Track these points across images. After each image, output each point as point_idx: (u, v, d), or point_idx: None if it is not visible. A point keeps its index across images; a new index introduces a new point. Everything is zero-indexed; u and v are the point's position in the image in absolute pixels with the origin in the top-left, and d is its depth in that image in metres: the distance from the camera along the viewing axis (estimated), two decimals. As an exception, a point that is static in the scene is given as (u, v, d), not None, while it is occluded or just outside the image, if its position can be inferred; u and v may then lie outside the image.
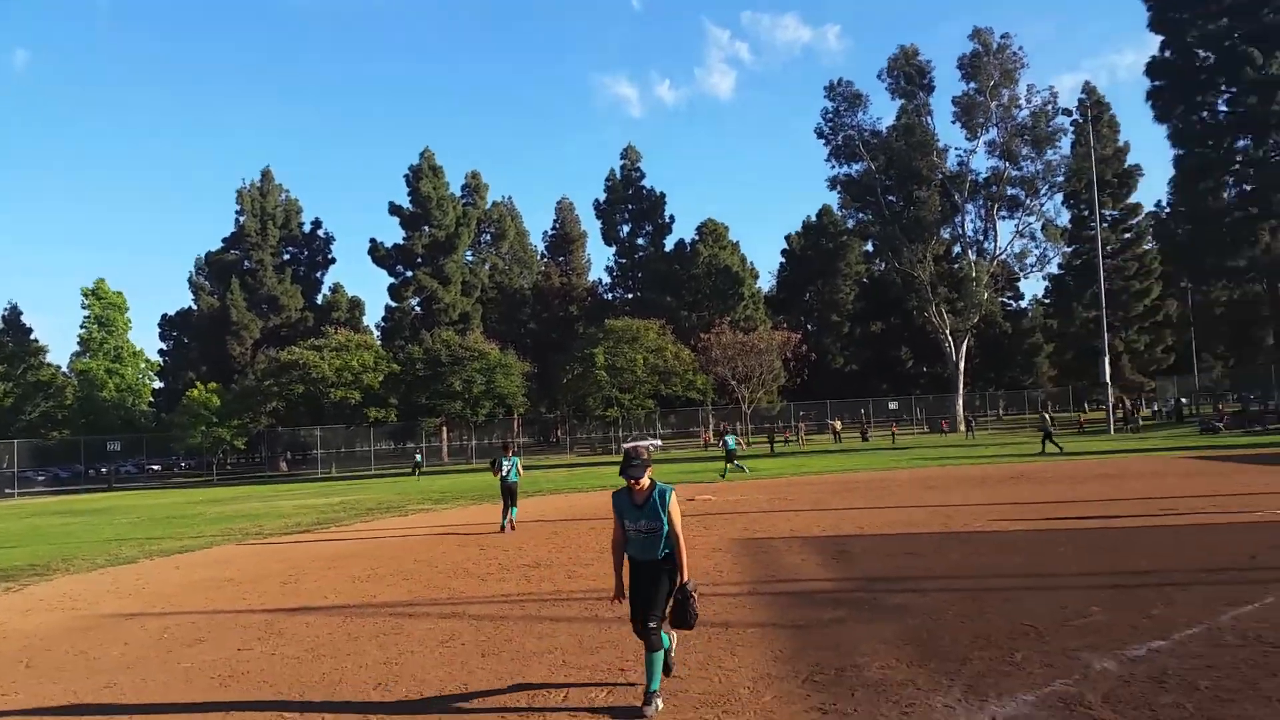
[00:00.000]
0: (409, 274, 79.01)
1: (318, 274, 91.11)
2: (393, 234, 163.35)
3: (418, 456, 50.68)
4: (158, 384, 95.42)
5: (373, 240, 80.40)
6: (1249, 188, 45.21)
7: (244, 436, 65.67)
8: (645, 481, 5.44)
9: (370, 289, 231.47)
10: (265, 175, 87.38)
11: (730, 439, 28.81)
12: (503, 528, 15.87)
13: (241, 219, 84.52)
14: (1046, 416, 33.80)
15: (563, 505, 20.92)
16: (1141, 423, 50.45)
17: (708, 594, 8.62)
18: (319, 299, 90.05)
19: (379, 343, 74.92)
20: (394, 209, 79.77)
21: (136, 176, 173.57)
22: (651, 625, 5.27)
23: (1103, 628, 6.53)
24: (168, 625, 8.80)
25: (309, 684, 6.32)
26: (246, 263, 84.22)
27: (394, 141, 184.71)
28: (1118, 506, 14.35)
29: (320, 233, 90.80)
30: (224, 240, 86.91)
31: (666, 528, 5.36)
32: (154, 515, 26.36)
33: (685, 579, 5.39)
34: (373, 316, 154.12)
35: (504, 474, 16.26)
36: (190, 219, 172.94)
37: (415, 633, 7.83)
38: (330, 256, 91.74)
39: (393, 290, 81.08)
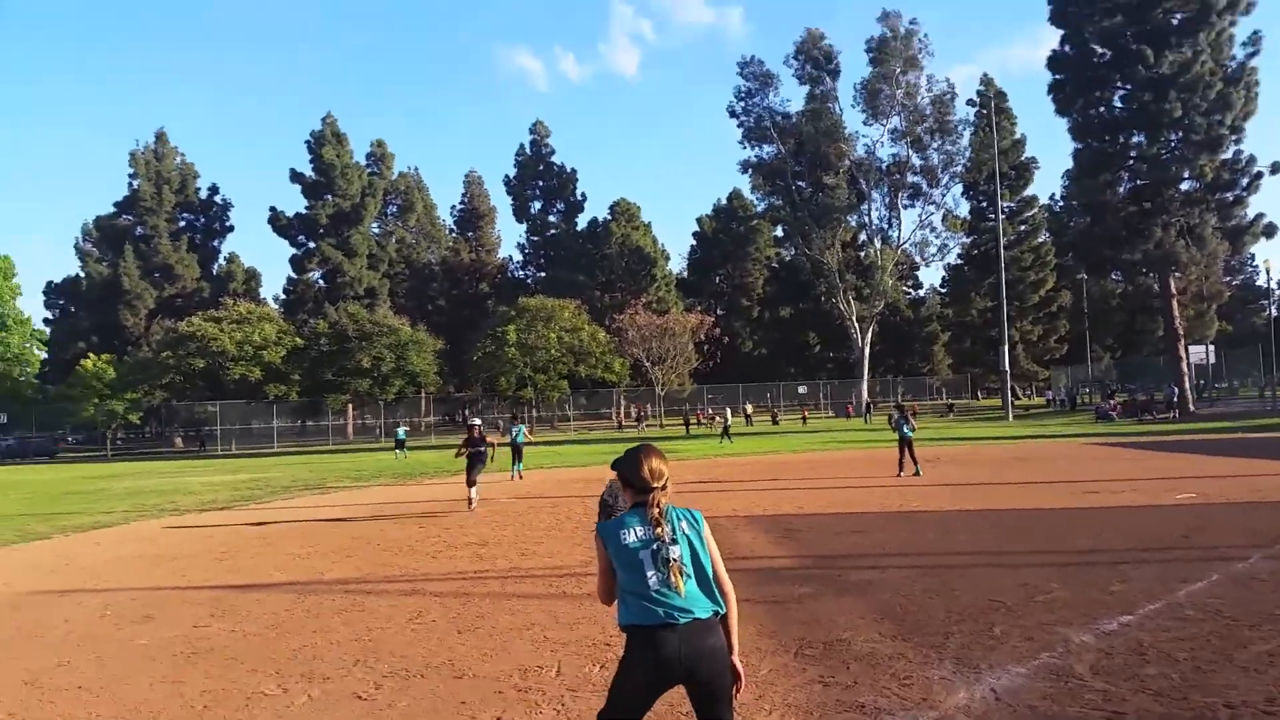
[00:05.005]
0: (312, 245, 76.80)
1: (215, 242, 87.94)
2: (294, 203, 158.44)
3: (400, 432, 39.65)
4: (43, 355, 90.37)
5: (273, 209, 78.11)
6: (1142, 183, 47.04)
7: (138, 411, 62.98)
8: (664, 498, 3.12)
9: (270, 260, 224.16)
10: (160, 138, 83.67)
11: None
12: (512, 477, 20.50)
13: (135, 183, 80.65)
14: None
15: (488, 482, 20.64)
16: (1020, 410, 53.87)
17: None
18: (215, 269, 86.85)
19: (280, 316, 72.63)
20: (295, 176, 77.33)
21: (18, 135, 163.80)
22: None
23: (1069, 603, 6.72)
24: (108, 602, 8.34)
25: (283, 661, 6.06)
26: (140, 229, 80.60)
27: (294, 107, 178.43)
28: (1044, 489, 14.90)
29: (218, 199, 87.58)
30: (115, 205, 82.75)
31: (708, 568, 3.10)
32: (50, 491, 25.01)
33: (734, 654, 3.13)
34: (274, 288, 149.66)
35: (512, 437, 21.28)
36: (74, 182, 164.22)
37: (379, 609, 7.58)
38: (228, 224, 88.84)
39: (295, 262, 78.70)
